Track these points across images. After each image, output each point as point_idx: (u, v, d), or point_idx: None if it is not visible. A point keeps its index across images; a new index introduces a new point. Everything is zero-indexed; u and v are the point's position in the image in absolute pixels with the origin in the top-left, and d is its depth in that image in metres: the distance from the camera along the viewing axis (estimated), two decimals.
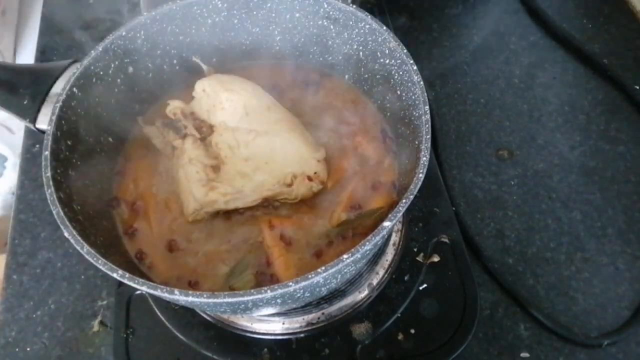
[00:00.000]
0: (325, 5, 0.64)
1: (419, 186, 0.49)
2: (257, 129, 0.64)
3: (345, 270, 0.52)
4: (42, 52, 1.00)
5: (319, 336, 0.66)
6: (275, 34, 0.70)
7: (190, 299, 0.46)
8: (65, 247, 0.76)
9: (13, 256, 0.76)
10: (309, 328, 0.66)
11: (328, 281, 0.51)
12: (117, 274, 0.47)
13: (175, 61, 0.69)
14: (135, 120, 0.68)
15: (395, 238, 0.72)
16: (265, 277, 0.59)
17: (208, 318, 0.67)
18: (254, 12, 0.68)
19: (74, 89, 0.58)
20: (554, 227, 0.76)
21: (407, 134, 0.61)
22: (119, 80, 0.64)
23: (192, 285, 0.58)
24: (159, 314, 0.67)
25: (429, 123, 0.54)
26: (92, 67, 0.60)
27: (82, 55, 0.60)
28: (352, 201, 0.63)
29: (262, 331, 0.66)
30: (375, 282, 0.69)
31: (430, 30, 1.00)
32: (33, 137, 0.88)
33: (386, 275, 0.69)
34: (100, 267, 0.47)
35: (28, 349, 0.69)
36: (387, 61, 0.62)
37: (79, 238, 0.48)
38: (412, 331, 0.65)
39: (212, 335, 0.66)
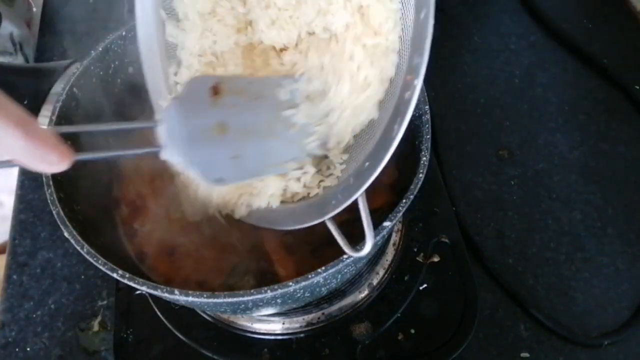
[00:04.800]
0: None
1: (419, 186, 0.49)
2: None
3: (345, 270, 0.52)
4: (42, 52, 1.00)
5: (319, 336, 0.65)
6: None
7: (190, 299, 0.46)
8: (65, 247, 0.76)
9: (13, 256, 0.76)
10: (309, 328, 0.66)
11: (328, 281, 0.51)
12: (117, 274, 0.47)
13: None
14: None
15: (395, 238, 0.72)
16: (265, 277, 0.59)
17: (208, 318, 0.67)
18: None
19: (74, 89, 0.58)
20: (554, 227, 0.76)
21: (407, 134, 0.61)
22: (119, 80, 0.64)
23: (198, 285, 0.58)
24: (159, 314, 0.67)
25: (429, 123, 0.54)
26: (92, 67, 0.60)
27: (82, 55, 0.60)
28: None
29: (262, 331, 0.66)
30: (375, 282, 0.68)
31: None
32: None
33: (386, 275, 0.69)
34: (100, 267, 0.47)
35: (28, 349, 0.69)
36: None
37: (79, 238, 0.48)
38: (412, 331, 0.65)
39: (212, 335, 0.66)
